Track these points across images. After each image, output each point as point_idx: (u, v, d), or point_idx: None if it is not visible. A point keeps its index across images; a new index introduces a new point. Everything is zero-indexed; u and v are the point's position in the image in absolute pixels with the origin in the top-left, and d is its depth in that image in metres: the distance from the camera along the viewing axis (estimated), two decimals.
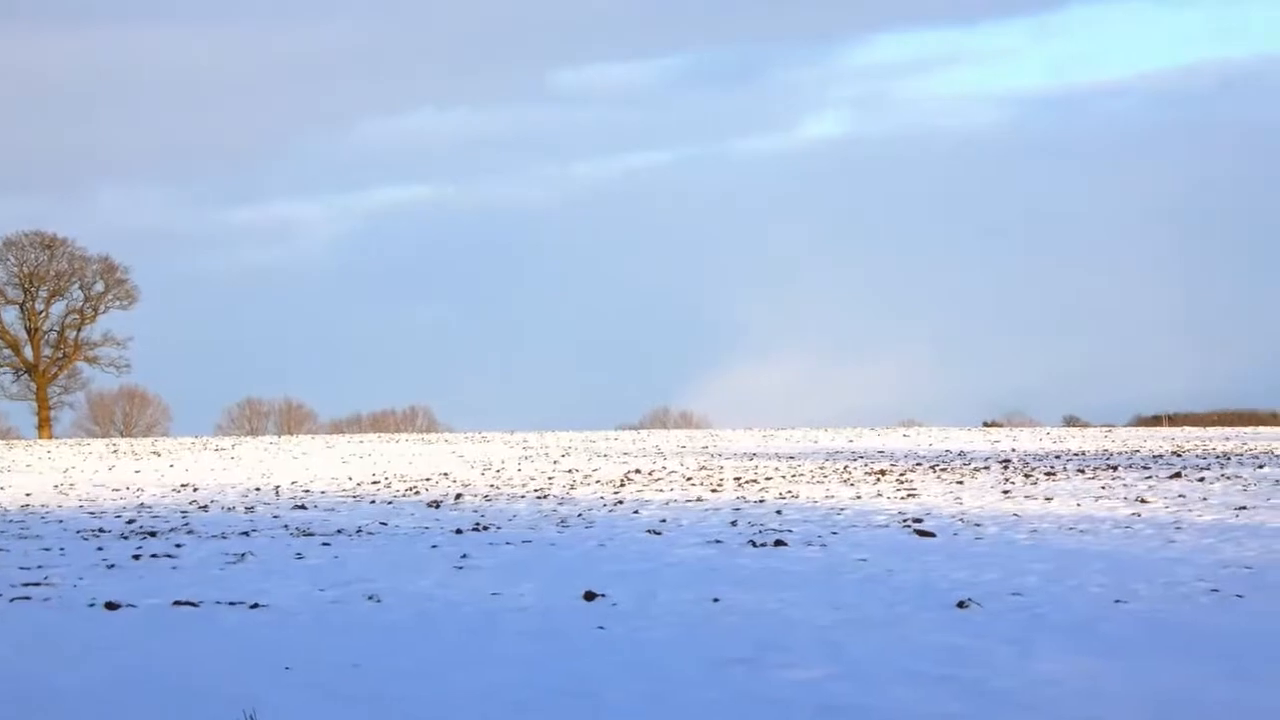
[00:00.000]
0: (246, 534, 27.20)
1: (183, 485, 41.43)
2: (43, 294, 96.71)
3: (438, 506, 33.06)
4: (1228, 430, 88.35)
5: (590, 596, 18.30)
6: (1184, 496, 32.19)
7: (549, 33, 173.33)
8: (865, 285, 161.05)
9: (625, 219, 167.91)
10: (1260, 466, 43.45)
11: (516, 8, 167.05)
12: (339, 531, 27.46)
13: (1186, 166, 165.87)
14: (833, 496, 33.53)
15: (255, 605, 18.15)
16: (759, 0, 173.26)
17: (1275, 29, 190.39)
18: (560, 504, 32.91)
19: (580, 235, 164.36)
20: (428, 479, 42.65)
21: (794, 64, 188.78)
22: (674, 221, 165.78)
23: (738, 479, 39.96)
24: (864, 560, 21.95)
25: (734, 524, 27.49)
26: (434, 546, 24.75)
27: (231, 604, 18.31)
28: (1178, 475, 39.24)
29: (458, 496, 35.71)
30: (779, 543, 24.19)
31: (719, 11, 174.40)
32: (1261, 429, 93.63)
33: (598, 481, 39.99)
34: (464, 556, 23.16)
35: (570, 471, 44.76)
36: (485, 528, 27.73)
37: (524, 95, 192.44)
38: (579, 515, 29.86)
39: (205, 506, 33.91)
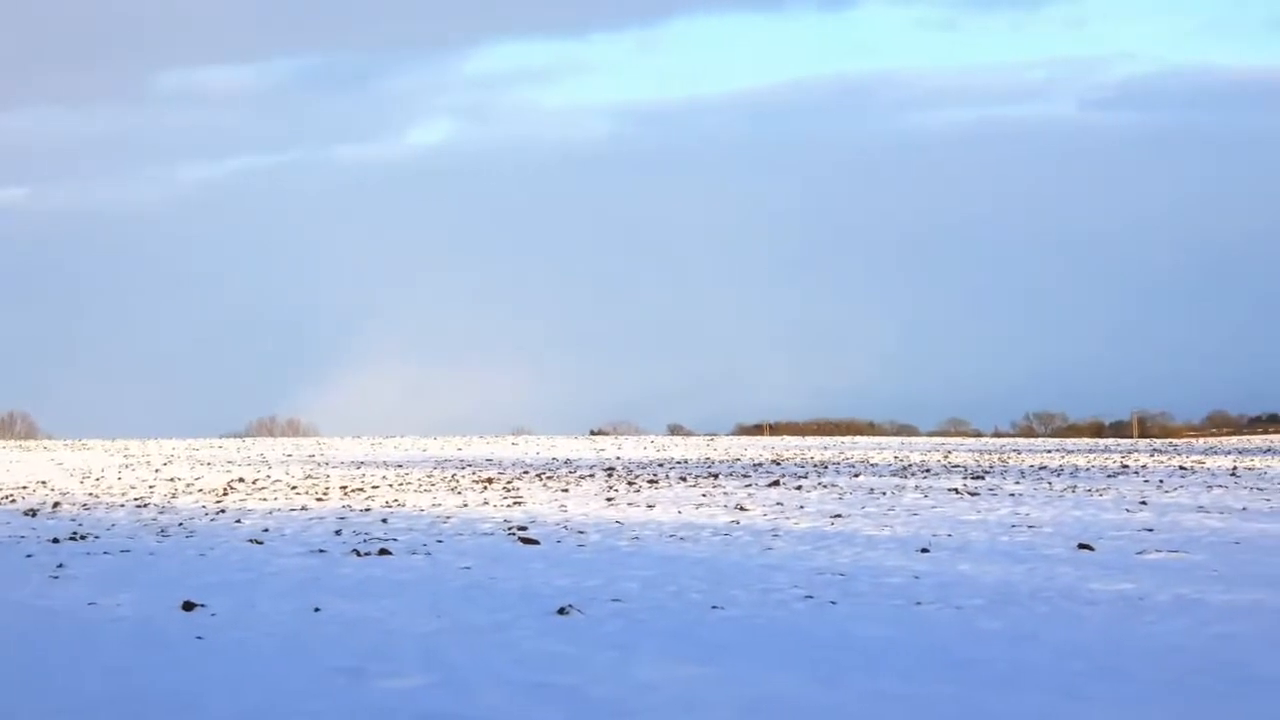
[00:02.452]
0: None
1: None
2: None
3: (34, 515, 32.17)
4: (826, 439, 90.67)
5: (189, 606, 18.00)
6: (782, 504, 32.95)
7: (153, 33, 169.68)
8: (475, 294, 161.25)
9: (232, 223, 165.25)
10: (856, 475, 44.69)
11: (119, 7, 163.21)
12: None
13: (789, 181, 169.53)
14: (439, 505, 33.52)
15: None
16: (369, 6, 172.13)
17: (879, 45, 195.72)
18: (161, 513, 32.29)
19: (186, 239, 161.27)
20: (24, 487, 41.47)
21: (404, 71, 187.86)
22: (282, 226, 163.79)
23: (344, 488, 39.70)
24: (468, 568, 22.00)
25: (338, 533, 27.31)
26: (29, 556, 24.11)
27: None
28: (776, 483, 40.15)
29: (55, 505, 34.80)
30: (383, 551, 24.10)
31: (328, 16, 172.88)
32: (859, 438, 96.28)
33: (200, 490, 39.35)
34: (60, 566, 22.60)
35: (172, 480, 43.95)
36: (83, 537, 27.09)
37: (127, 96, 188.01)
38: (180, 524, 29.35)
39: None
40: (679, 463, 54.42)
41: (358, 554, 23.91)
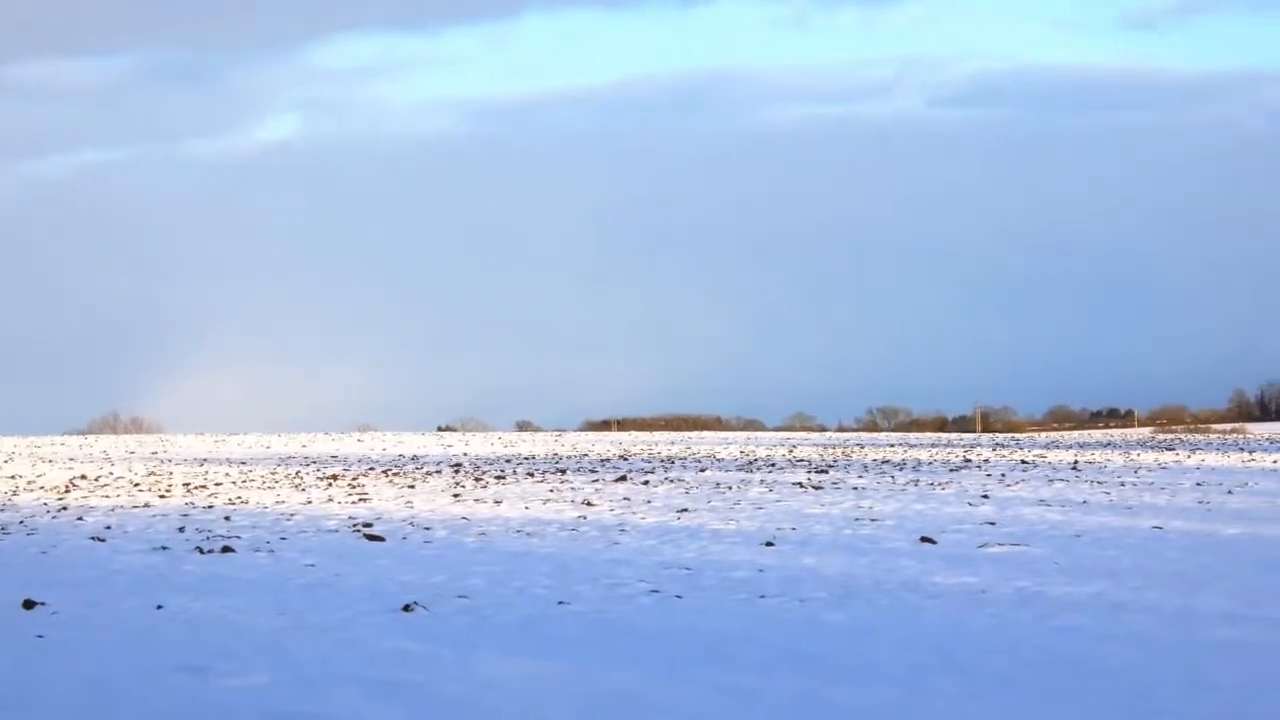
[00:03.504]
0: None
1: None
2: None
3: None
4: (673, 435, 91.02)
5: (30, 605, 17.75)
6: (629, 500, 33.03)
7: None
8: (321, 290, 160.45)
9: (76, 219, 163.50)
10: (702, 470, 44.90)
11: None
12: None
13: (639, 177, 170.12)
14: (284, 502, 33.29)
15: None
16: (217, 1, 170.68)
17: (729, 41, 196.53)
18: (1, 510, 31.84)
19: (30, 234, 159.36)
20: None
21: (252, 66, 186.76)
22: (126, 223, 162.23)
23: (187, 485, 39.32)
24: (312, 565, 21.87)
25: (182, 530, 27.05)
26: None
27: None
28: (624, 479, 40.24)
29: None
30: (227, 549, 23.90)
31: (174, 10, 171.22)
32: (706, 433, 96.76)
33: (42, 488, 38.82)
34: None
35: (13, 478, 43.33)
36: None
37: None
38: (20, 522, 28.94)
39: None
40: (526, 459, 54.39)
41: (201, 551, 23.69)
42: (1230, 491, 36.69)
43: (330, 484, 39.15)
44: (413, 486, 37.72)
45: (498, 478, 41.21)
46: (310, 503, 32.99)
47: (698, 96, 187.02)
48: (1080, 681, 13.26)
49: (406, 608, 17.44)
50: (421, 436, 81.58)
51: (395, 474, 43.65)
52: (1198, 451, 60.81)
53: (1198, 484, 39.35)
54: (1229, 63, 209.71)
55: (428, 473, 44.26)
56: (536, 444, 70.93)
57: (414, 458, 55.21)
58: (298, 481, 40.36)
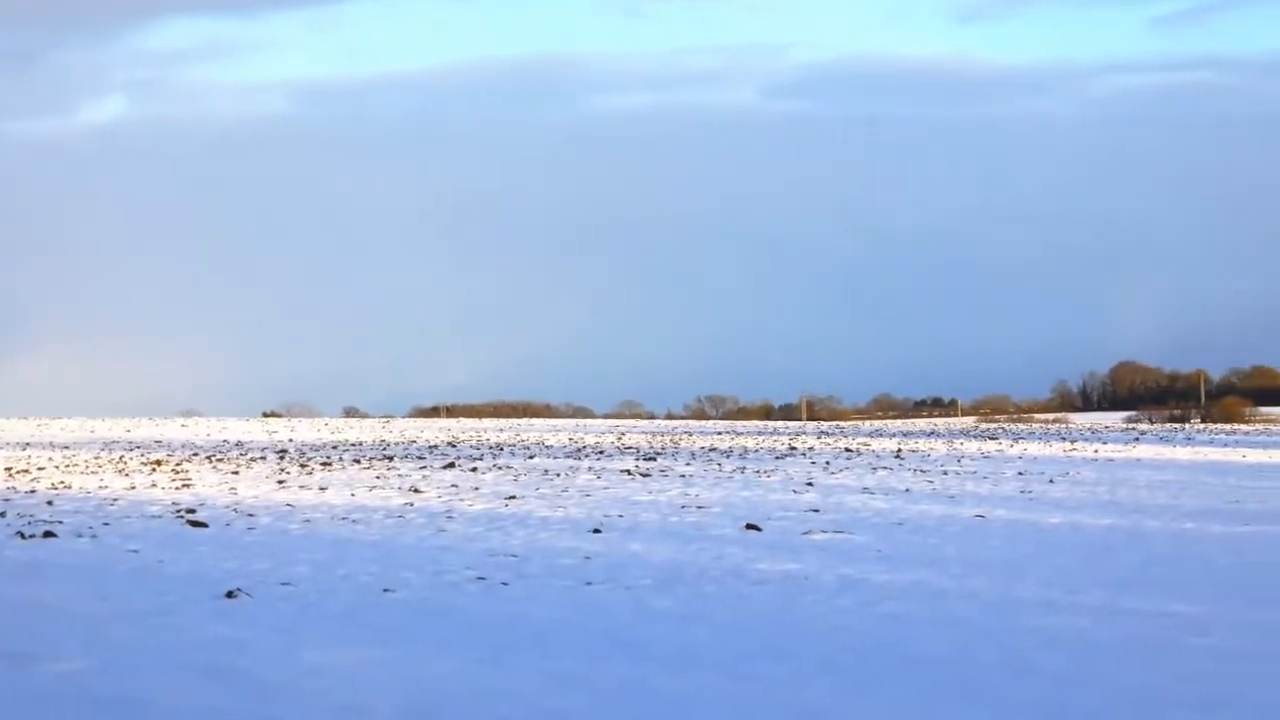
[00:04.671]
0: None
1: None
2: None
3: None
4: (503, 422, 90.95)
5: None
6: (457, 486, 32.98)
7: None
8: (145, 274, 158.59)
9: None
10: (531, 457, 44.90)
11: None
12: None
13: (468, 162, 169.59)
14: (106, 487, 32.87)
15: None
16: None
17: (560, 28, 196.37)
18: None
19: None
20: None
21: (75, 47, 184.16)
22: None
23: (8, 469, 38.70)
24: (136, 551, 21.63)
25: (3, 515, 26.62)
26: None
27: None
28: (452, 465, 40.16)
29: None
30: (49, 534, 23.58)
31: None
32: (535, 420, 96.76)
33: None
34: None
35: None
36: None
37: None
38: None
39: None
40: (354, 445, 54.11)
41: (22, 536, 23.35)
42: (1052, 480, 37.28)
43: (154, 469, 38.71)
44: (237, 473, 37.40)
45: (324, 464, 40.96)
46: (134, 488, 32.60)
47: (528, 83, 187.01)
48: (900, 667, 13.43)
49: (230, 594, 17.31)
50: (247, 422, 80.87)
51: (220, 460, 43.25)
52: (1020, 440, 61.70)
53: (1020, 473, 39.96)
54: (1049, 55, 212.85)
55: (253, 459, 43.90)
56: (364, 430, 70.58)
57: (239, 443, 54.73)
58: (121, 467, 39.87)
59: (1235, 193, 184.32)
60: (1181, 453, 52.61)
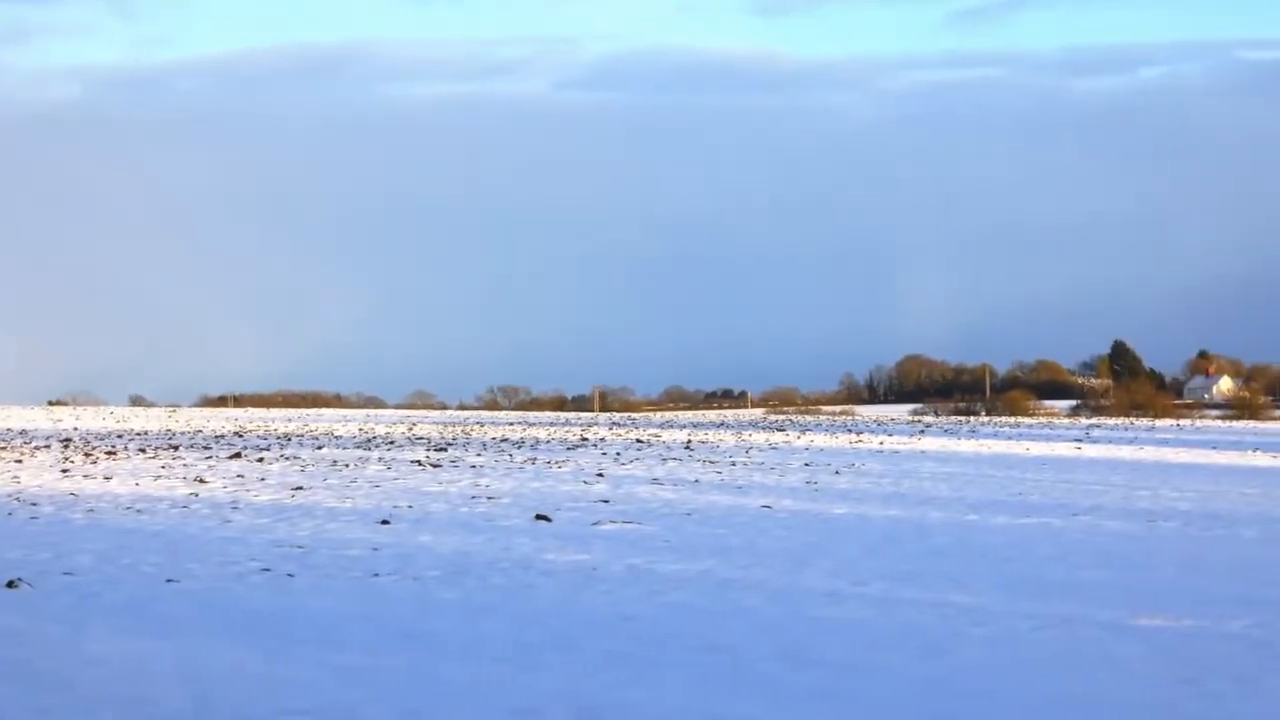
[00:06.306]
0: None
1: None
2: None
3: None
4: (291, 412, 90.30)
5: None
6: (243, 477, 32.66)
7: None
8: None
9: None
10: (319, 448, 44.59)
11: None
12: None
13: (258, 149, 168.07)
14: None
15: None
16: None
17: (349, 15, 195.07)
18: None
19: None
20: None
21: None
22: None
23: None
24: None
25: None
26: None
27: None
28: (238, 455, 39.77)
29: None
30: None
31: None
32: (325, 410, 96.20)
33: None
34: None
35: None
36: None
37: None
38: None
39: None
40: (139, 434, 53.39)
41: None
42: (838, 472, 37.72)
43: None
44: (20, 461, 36.76)
45: (109, 453, 40.38)
46: None
47: (315, 69, 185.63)
48: (684, 656, 13.52)
49: (11, 584, 17.03)
50: (30, 411, 79.49)
51: (2, 449, 42.48)
52: (808, 432, 62.33)
53: (806, 464, 40.37)
54: (847, 50, 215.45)
55: (36, 447, 43.18)
56: (150, 420, 69.65)
57: (22, 432, 53.79)
58: None
59: (1026, 187, 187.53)
60: (966, 445, 53.45)
